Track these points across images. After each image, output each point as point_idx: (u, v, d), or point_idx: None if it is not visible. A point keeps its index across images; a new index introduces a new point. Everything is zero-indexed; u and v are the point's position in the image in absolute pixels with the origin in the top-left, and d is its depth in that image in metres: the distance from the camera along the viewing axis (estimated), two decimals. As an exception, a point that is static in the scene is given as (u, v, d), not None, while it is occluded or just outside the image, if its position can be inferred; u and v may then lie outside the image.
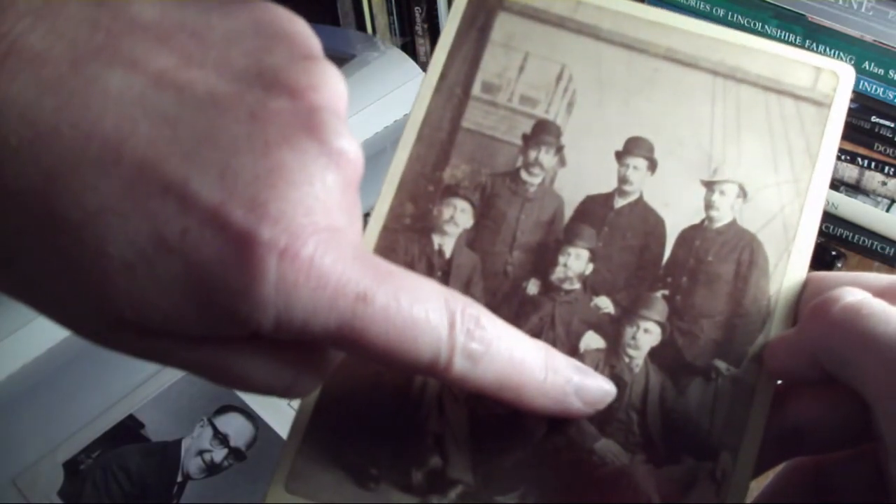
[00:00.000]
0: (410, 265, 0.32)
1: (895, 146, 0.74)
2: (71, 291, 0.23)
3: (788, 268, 0.32)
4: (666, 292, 0.32)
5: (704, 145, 0.33)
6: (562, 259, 0.32)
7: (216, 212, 0.23)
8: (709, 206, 0.32)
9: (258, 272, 0.23)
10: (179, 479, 0.60)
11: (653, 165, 0.33)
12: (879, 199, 0.76)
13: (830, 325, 0.28)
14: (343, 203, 0.25)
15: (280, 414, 0.63)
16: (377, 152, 0.76)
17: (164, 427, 0.62)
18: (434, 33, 0.87)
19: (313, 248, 0.23)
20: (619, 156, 0.33)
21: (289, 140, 0.24)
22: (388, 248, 0.32)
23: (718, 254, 0.32)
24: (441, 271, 0.32)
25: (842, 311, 0.28)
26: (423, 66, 0.78)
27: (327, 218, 0.24)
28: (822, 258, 0.75)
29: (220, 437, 0.62)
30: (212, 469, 0.61)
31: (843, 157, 0.76)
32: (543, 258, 0.32)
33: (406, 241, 0.32)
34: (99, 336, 0.25)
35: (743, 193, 0.32)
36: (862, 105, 0.74)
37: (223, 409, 0.64)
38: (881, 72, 0.72)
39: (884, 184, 0.75)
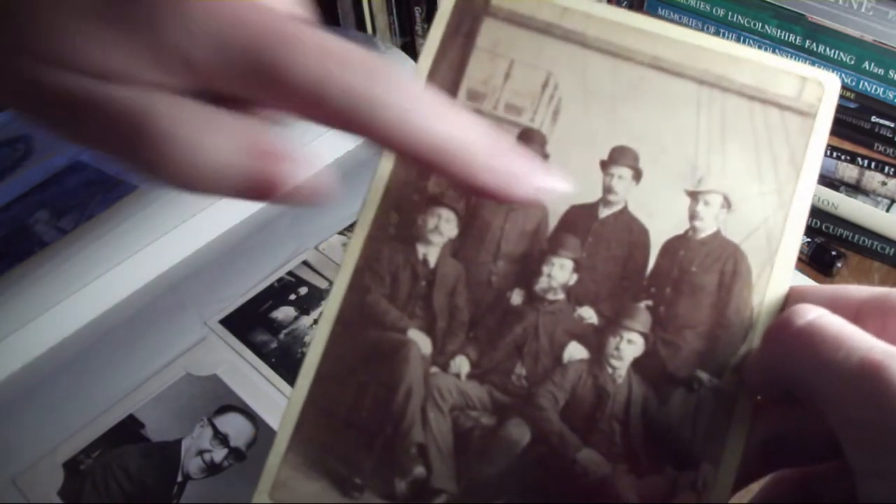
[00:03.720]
0: (394, 274, 0.32)
1: (895, 146, 0.73)
2: None
3: (771, 279, 0.32)
4: (649, 303, 0.32)
5: (689, 155, 0.33)
6: (546, 269, 0.32)
7: None
8: (693, 216, 0.32)
9: None
10: (179, 479, 0.60)
11: (638, 175, 0.33)
12: (879, 199, 0.76)
13: (787, 346, 0.28)
14: None
15: (281, 414, 0.63)
16: (377, 153, 0.76)
17: (164, 427, 0.62)
18: (434, 33, 0.87)
19: None
20: (604, 165, 0.33)
21: None
22: (373, 257, 0.32)
23: (702, 264, 0.32)
24: (425, 281, 0.32)
25: (797, 334, 0.27)
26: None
27: None
28: (822, 258, 0.75)
29: (220, 437, 0.62)
30: (212, 469, 0.61)
31: (843, 157, 0.76)
32: (527, 268, 0.32)
33: (390, 250, 0.32)
34: None
35: (727, 204, 0.32)
36: (862, 105, 0.73)
37: (223, 409, 0.64)
38: (881, 72, 0.71)
39: (884, 184, 0.75)
